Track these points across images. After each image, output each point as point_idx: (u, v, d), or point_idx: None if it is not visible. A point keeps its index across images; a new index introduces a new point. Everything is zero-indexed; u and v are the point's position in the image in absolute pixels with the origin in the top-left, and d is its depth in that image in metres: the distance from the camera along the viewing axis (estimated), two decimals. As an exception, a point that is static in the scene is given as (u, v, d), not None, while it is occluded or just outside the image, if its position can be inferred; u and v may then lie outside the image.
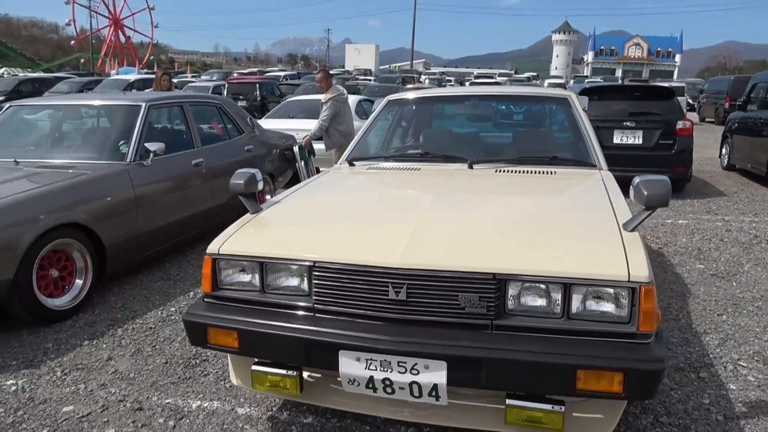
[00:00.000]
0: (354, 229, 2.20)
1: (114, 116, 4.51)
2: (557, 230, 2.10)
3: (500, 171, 2.97)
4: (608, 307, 1.84)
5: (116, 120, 4.48)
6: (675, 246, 5.00)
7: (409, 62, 58.19)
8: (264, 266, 2.11)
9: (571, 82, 34.85)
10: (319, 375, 2.24)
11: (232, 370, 2.33)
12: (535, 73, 45.93)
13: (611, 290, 1.82)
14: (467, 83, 27.78)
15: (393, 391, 1.91)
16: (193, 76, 33.08)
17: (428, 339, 1.85)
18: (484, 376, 1.80)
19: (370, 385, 1.91)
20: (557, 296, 1.86)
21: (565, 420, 1.94)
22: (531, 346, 1.80)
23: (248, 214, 2.44)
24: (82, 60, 65.51)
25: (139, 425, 2.34)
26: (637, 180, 2.11)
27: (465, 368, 1.81)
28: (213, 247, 2.17)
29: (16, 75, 31.14)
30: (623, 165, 7.01)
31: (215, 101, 5.55)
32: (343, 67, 72.29)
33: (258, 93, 19.31)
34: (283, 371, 2.05)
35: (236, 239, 2.20)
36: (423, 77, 36.79)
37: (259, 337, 2.01)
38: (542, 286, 1.86)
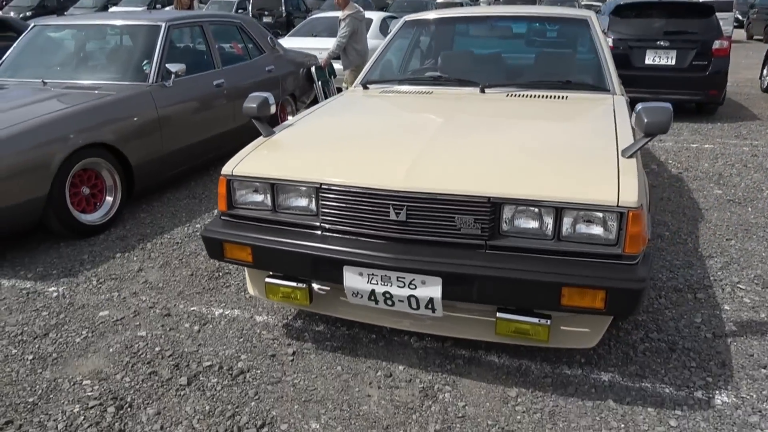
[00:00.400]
0: (360, 152, 2.29)
1: (135, 36, 4.56)
2: (554, 155, 2.16)
3: (511, 95, 2.99)
4: (597, 230, 1.94)
5: (138, 40, 4.53)
6: (696, 171, 4.96)
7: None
8: (275, 187, 2.24)
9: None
10: (328, 288, 2.42)
11: (249, 282, 2.52)
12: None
13: (600, 214, 1.91)
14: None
15: (393, 304, 2.07)
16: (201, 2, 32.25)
17: (425, 257, 1.99)
18: (476, 292, 1.94)
19: (372, 298, 2.08)
20: (549, 219, 1.95)
21: (553, 333, 2.10)
22: (520, 264, 1.92)
23: (261, 137, 2.55)
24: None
25: (168, 329, 2.58)
26: (639, 107, 2.14)
27: (458, 284, 1.95)
28: (227, 169, 2.30)
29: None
30: (654, 87, 6.94)
31: (235, 20, 5.52)
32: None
33: (283, 8, 18.88)
34: (294, 283, 2.22)
35: (249, 161, 2.32)
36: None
37: (271, 252, 2.17)
38: (534, 209, 1.96)
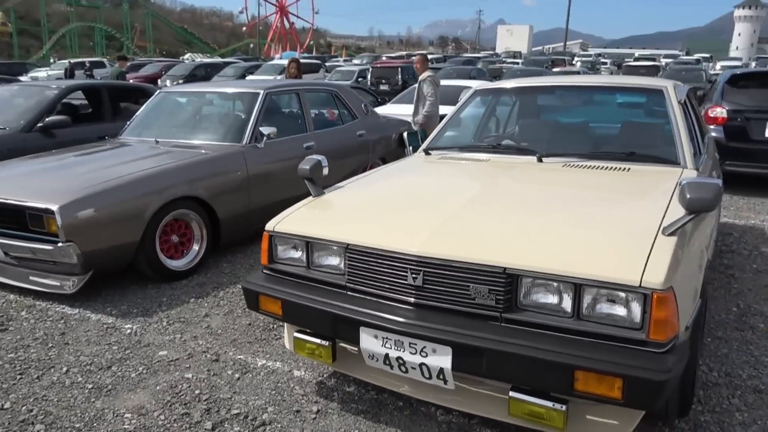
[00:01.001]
0: (389, 216, 2.35)
1: (238, 102, 5.05)
2: (586, 229, 2.07)
3: (569, 165, 2.91)
4: (620, 311, 1.81)
5: (239, 105, 5.01)
6: (812, 256, 4.42)
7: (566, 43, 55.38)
8: (309, 245, 2.35)
9: (753, 63, 30.92)
10: (356, 348, 2.44)
11: (286, 336, 2.61)
12: (707, 55, 41.33)
13: (623, 294, 1.79)
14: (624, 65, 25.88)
15: (406, 370, 2.05)
16: (344, 60, 34.76)
17: (437, 324, 1.96)
18: (485, 366, 1.87)
19: (387, 362, 2.07)
20: (568, 296, 1.86)
21: (574, 420, 1.96)
22: (533, 341, 1.83)
23: (310, 197, 2.69)
24: (251, 45, 71.46)
25: (212, 373, 2.73)
26: (684, 181, 2.01)
27: (468, 356, 1.90)
28: (270, 225, 2.45)
29: (194, 60, 35.07)
30: (774, 163, 6.36)
31: (331, 88, 5.92)
32: (494, 49, 70.81)
33: (399, 77, 19.76)
34: (318, 340, 2.27)
35: (290, 219, 2.46)
36: (576, 59, 34.95)
37: (297, 307, 2.26)
38: (554, 284, 1.88)
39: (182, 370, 2.77)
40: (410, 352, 2.00)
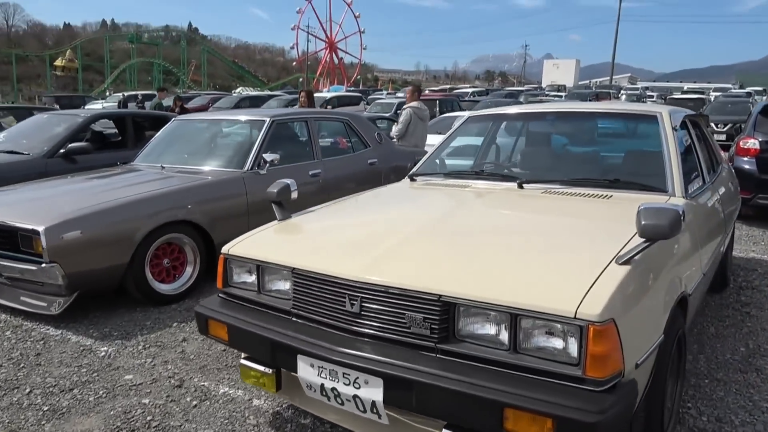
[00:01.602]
0: (341, 241, 2.27)
1: (244, 129, 5.11)
2: (534, 257, 1.94)
3: (549, 192, 2.77)
4: (558, 344, 1.67)
5: (245, 133, 5.06)
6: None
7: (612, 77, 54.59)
8: (260, 269, 2.28)
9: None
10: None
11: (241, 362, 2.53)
12: (761, 88, 39.85)
13: (559, 326, 1.65)
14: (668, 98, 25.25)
15: (342, 402, 1.94)
16: (388, 94, 35.24)
17: (371, 354, 1.85)
18: (415, 400, 1.75)
19: (324, 393, 1.97)
20: (505, 327, 1.73)
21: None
22: (463, 375, 1.70)
23: (275, 221, 2.64)
24: (300, 79, 73.52)
25: (170, 400, 2.67)
26: (641, 206, 1.87)
27: (398, 388, 1.78)
28: (225, 248, 2.41)
29: (240, 93, 36.26)
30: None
31: (342, 117, 5.93)
32: (540, 83, 70.52)
33: (437, 109, 19.84)
34: (262, 368, 2.19)
35: (246, 242, 2.41)
36: (622, 93, 34.31)
37: (241, 333, 2.18)
38: (491, 313, 1.75)
39: (141, 395, 2.72)
40: (344, 383, 1.89)
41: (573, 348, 1.63)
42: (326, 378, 1.93)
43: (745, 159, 6.68)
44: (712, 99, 21.12)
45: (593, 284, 1.69)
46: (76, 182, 4.42)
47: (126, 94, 30.38)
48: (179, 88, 55.92)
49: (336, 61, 79.38)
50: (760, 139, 6.57)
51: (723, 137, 13.53)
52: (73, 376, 2.91)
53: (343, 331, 1.98)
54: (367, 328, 1.93)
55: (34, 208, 3.73)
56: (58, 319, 3.63)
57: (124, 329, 3.53)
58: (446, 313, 1.80)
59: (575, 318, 1.60)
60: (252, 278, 2.33)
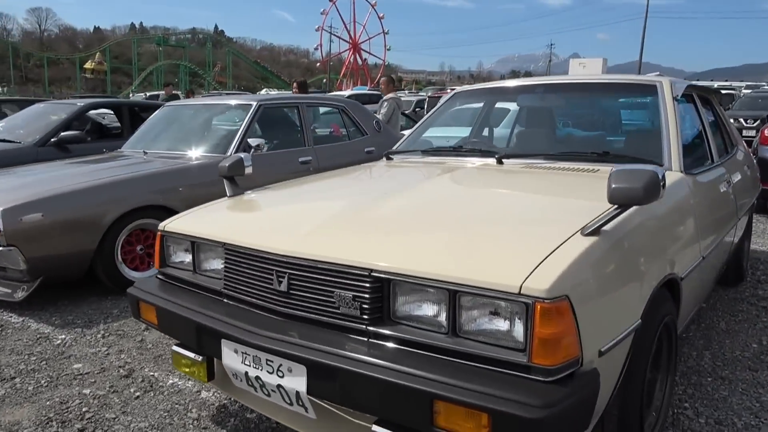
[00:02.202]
0: (276, 216, 2.04)
1: (230, 114, 4.91)
2: (484, 230, 1.67)
3: (530, 167, 2.50)
4: (502, 326, 1.40)
5: (230, 117, 4.87)
6: None
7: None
8: (195, 246, 2.06)
9: None
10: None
11: None
12: (797, 83, 38.38)
13: (504, 304, 1.38)
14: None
15: (268, 393, 1.70)
16: (409, 92, 34.99)
17: (296, 338, 1.61)
18: (339, 391, 1.50)
19: (250, 383, 1.73)
20: (444, 307, 1.47)
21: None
22: (392, 361, 1.44)
23: (224, 198, 2.42)
24: (324, 80, 73.63)
25: (113, 390, 2.46)
26: (612, 168, 1.59)
27: (323, 378, 1.53)
28: (162, 225, 2.20)
29: (265, 94, 36.34)
30: None
31: (338, 104, 5.70)
32: (565, 81, 69.31)
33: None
34: (192, 355, 1.96)
35: (183, 218, 2.20)
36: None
37: (168, 315, 1.96)
38: (429, 291, 1.49)
39: (85, 385, 2.52)
40: (267, 371, 1.66)
41: (518, 331, 1.36)
42: (250, 365, 1.69)
43: (770, 148, 6.26)
44: (741, 95, 20.30)
45: (547, 257, 1.42)
46: (51, 168, 4.26)
47: (148, 94, 30.74)
48: (204, 90, 56.47)
49: (360, 62, 79.33)
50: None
51: (752, 132, 12.93)
52: (20, 364, 2.73)
53: (272, 313, 1.75)
54: (296, 310, 1.69)
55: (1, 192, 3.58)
56: (24, 306, 3.47)
57: (88, 317, 3.35)
58: (379, 291, 1.54)
59: (519, 294, 1.33)
60: (188, 257, 2.11)
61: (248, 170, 2.51)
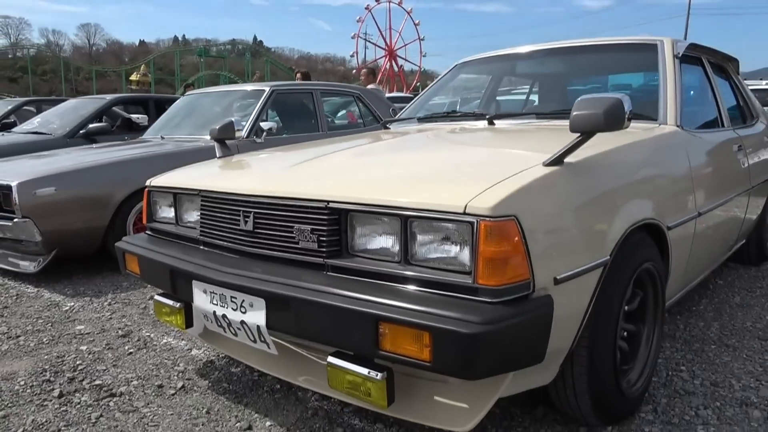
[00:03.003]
0: (249, 165, 2.06)
1: (245, 99, 5.00)
2: (444, 166, 1.67)
3: (521, 128, 2.46)
4: (453, 250, 1.37)
5: (248, 103, 4.95)
6: None
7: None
8: (176, 198, 2.10)
9: None
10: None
11: None
12: None
13: (452, 227, 1.36)
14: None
15: (235, 332, 1.71)
16: (443, 97, 34.98)
17: (255, 273, 1.62)
18: (294, 321, 1.50)
19: (219, 323, 1.75)
20: (397, 235, 1.45)
21: (422, 401, 1.52)
22: (342, 289, 1.43)
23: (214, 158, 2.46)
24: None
25: (108, 348, 2.52)
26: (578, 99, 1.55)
27: (279, 309, 1.53)
28: (148, 181, 2.25)
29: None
30: None
31: (353, 91, 5.73)
32: (605, 83, 67.95)
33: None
34: (171, 302, 1.99)
35: (168, 174, 2.24)
36: (691, 89, 32.38)
37: (148, 263, 2.00)
38: (383, 220, 1.48)
39: (82, 343, 2.59)
40: (232, 308, 1.67)
41: (465, 253, 1.33)
42: (217, 304, 1.71)
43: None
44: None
45: (500, 182, 1.39)
46: (71, 151, 4.42)
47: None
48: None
49: (396, 68, 79.61)
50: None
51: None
52: (27, 326, 2.83)
53: (240, 254, 1.76)
54: (261, 248, 1.70)
55: (17, 168, 3.73)
56: (41, 278, 3.60)
57: (99, 289, 3.44)
58: (336, 224, 1.54)
59: (464, 213, 1.30)
60: (171, 211, 2.15)
61: (238, 134, 2.55)
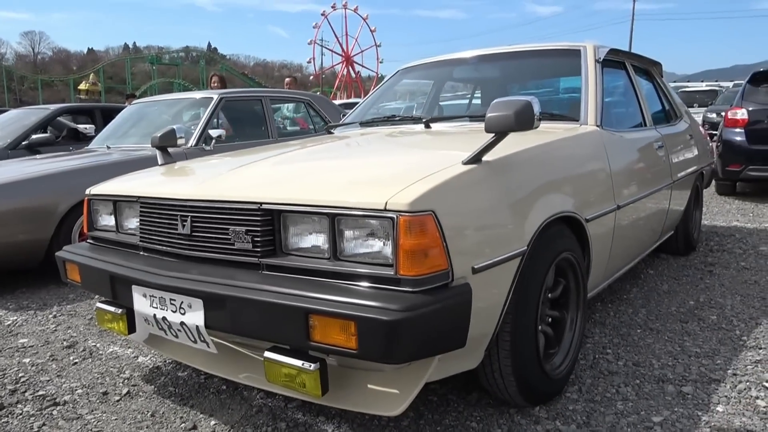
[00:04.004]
0: (188, 172, 2.11)
1: (193, 107, 5.00)
2: (371, 165, 1.77)
3: (455, 131, 2.58)
4: (377, 245, 1.46)
5: (196, 111, 4.96)
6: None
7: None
8: (116, 206, 2.13)
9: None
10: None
11: None
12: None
13: (375, 223, 1.45)
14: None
15: (176, 334, 1.76)
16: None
17: (193, 275, 1.67)
18: (230, 318, 1.56)
19: (159, 326, 1.79)
20: (325, 233, 1.53)
21: (354, 390, 1.60)
22: (274, 286, 1.50)
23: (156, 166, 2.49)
24: (318, 93, 74.13)
25: (52, 359, 2.51)
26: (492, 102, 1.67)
27: (216, 309, 1.59)
28: (88, 190, 2.27)
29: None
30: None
31: (303, 97, 5.79)
32: (556, 86, 69.75)
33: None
34: (112, 309, 2.02)
35: (108, 182, 2.26)
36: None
37: (88, 271, 2.02)
38: (314, 219, 1.56)
39: (26, 355, 2.57)
40: (171, 310, 1.71)
41: (388, 247, 1.43)
42: (157, 307, 1.75)
43: (735, 130, 6.35)
44: (724, 91, 20.47)
45: (419, 180, 1.49)
46: (11, 163, 4.34)
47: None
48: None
49: (353, 74, 79.73)
50: (750, 109, 6.24)
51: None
52: (-33, 342, 2.79)
53: (178, 258, 1.81)
54: (198, 251, 1.75)
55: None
56: (-20, 294, 3.53)
57: (43, 302, 3.40)
58: (270, 224, 1.61)
59: (385, 210, 1.40)
60: (110, 219, 2.18)
61: (180, 141, 2.59)
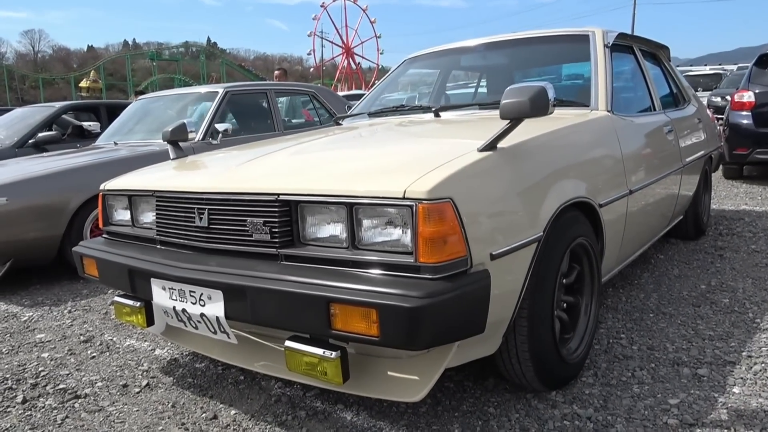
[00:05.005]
0: (202, 165, 2.12)
1: (201, 102, 5.01)
2: (387, 154, 1.78)
3: (465, 119, 2.58)
4: (396, 233, 1.47)
5: (202, 105, 4.96)
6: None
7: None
8: (132, 201, 2.14)
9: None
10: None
11: None
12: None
13: (393, 211, 1.46)
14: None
15: (195, 325, 1.78)
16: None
17: (211, 267, 1.69)
18: (250, 309, 1.57)
19: (179, 318, 1.81)
20: (344, 222, 1.54)
21: (375, 377, 1.62)
22: (296, 276, 1.51)
23: (168, 160, 2.51)
24: (319, 85, 73.96)
25: (70, 353, 2.54)
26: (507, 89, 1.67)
27: (236, 299, 1.61)
28: (103, 185, 2.28)
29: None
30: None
31: (308, 90, 5.78)
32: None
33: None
34: (131, 302, 2.04)
35: (123, 177, 2.28)
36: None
37: (106, 265, 2.04)
38: (330, 209, 1.57)
39: (44, 350, 2.60)
40: (191, 302, 1.73)
41: (407, 235, 1.44)
42: (176, 300, 1.77)
43: (741, 113, 6.32)
44: (729, 74, 20.32)
45: (436, 168, 1.49)
46: (21, 161, 4.36)
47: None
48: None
49: (354, 66, 79.46)
50: (756, 91, 6.20)
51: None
52: (-15, 338, 2.82)
53: (196, 250, 1.83)
54: (216, 243, 1.77)
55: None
56: (-5, 290, 3.56)
57: (58, 297, 3.43)
58: (287, 215, 1.62)
59: (404, 198, 1.41)
60: (126, 213, 2.20)
61: (191, 135, 2.60)
